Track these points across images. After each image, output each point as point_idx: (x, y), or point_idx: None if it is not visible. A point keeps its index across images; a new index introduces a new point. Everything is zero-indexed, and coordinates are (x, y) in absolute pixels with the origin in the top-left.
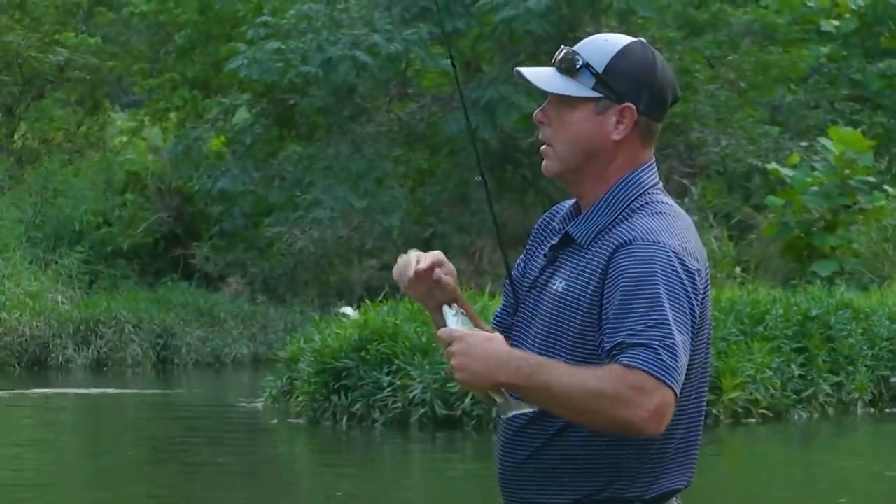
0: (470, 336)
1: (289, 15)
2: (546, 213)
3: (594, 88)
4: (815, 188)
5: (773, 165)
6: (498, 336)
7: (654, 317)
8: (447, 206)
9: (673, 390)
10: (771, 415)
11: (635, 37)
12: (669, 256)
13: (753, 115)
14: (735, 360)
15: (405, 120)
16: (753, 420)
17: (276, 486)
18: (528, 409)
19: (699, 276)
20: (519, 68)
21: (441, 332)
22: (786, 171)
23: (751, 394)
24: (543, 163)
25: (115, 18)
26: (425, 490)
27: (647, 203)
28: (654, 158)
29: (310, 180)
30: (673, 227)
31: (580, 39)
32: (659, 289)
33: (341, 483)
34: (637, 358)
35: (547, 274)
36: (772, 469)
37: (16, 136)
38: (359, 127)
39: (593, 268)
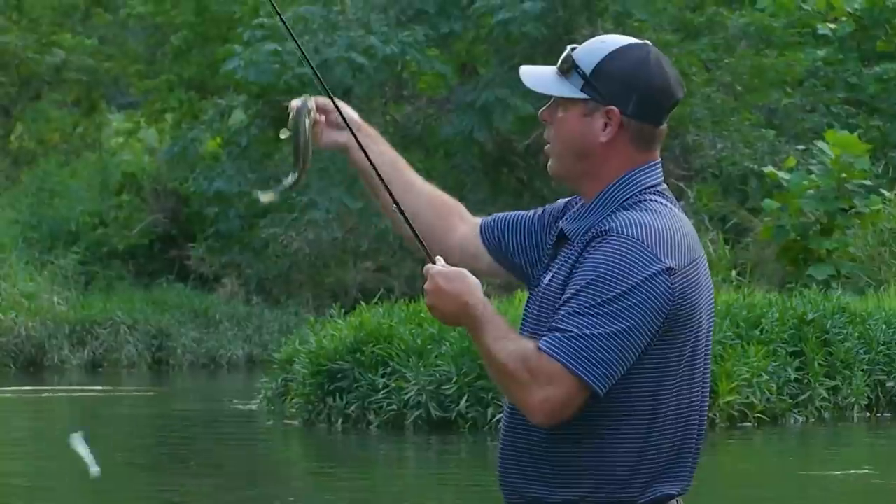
0: (442, 277)
1: (285, 17)
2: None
3: (582, 90)
4: (811, 192)
5: (769, 169)
6: (468, 279)
7: (590, 305)
8: None
9: (584, 381)
10: (767, 419)
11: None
12: (638, 250)
13: (749, 118)
14: (731, 364)
15: (401, 122)
16: (749, 424)
17: (270, 487)
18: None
19: (673, 273)
20: (522, 67)
21: (426, 267)
22: (782, 175)
23: (746, 397)
24: (548, 162)
25: (111, 20)
26: (420, 492)
27: (639, 201)
28: (658, 160)
29: (305, 182)
30: (655, 223)
31: (575, 42)
32: (610, 279)
33: (336, 485)
34: (549, 342)
35: (544, 272)
36: (766, 473)
37: (12, 137)
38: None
39: (573, 259)
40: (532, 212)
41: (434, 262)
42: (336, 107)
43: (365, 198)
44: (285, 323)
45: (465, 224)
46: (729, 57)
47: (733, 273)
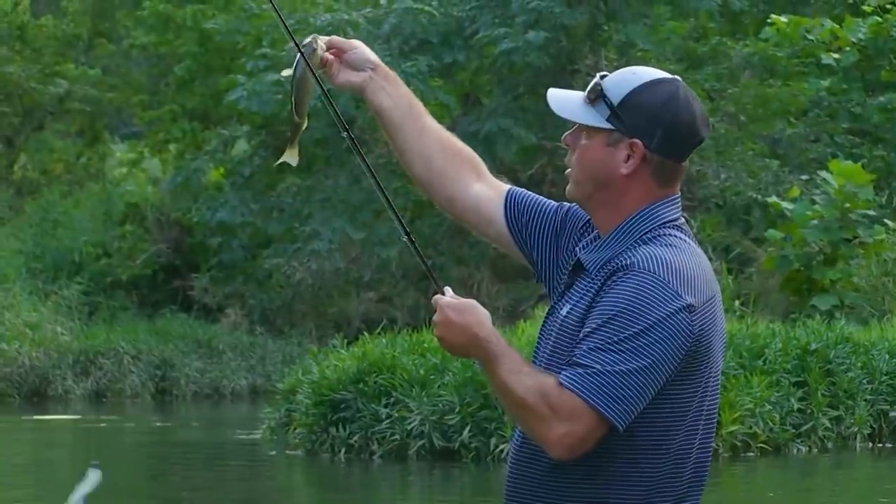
0: (451, 309)
1: (288, 47)
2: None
3: (608, 120)
4: (815, 222)
5: (772, 199)
6: (477, 311)
7: (612, 341)
8: (445, 238)
9: (605, 417)
10: (770, 448)
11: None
12: (659, 287)
13: (753, 148)
14: (734, 394)
15: None
16: (752, 454)
17: None
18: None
19: (693, 311)
20: (550, 90)
21: (434, 298)
22: (786, 205)
23: (750, 427)
24: (567, 186)
25: (114, 50)
26: None
27: (658, 236)
28: (677, 195)
29: (308, 212)
30: (676, 259)
31: (579, 72)
32: (631, 315)
33: None
34: (571, 378)
35: (561, 300)
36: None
37: (15, 168)
38: (357, 159)
39: (593, 292)
40: (556, 206)
41: (443, 292)
42: (324, 70)
43: (367, 228)
44: (288, 353)
45: (482, 182)
46: (733, 87)
47: (737, 303)
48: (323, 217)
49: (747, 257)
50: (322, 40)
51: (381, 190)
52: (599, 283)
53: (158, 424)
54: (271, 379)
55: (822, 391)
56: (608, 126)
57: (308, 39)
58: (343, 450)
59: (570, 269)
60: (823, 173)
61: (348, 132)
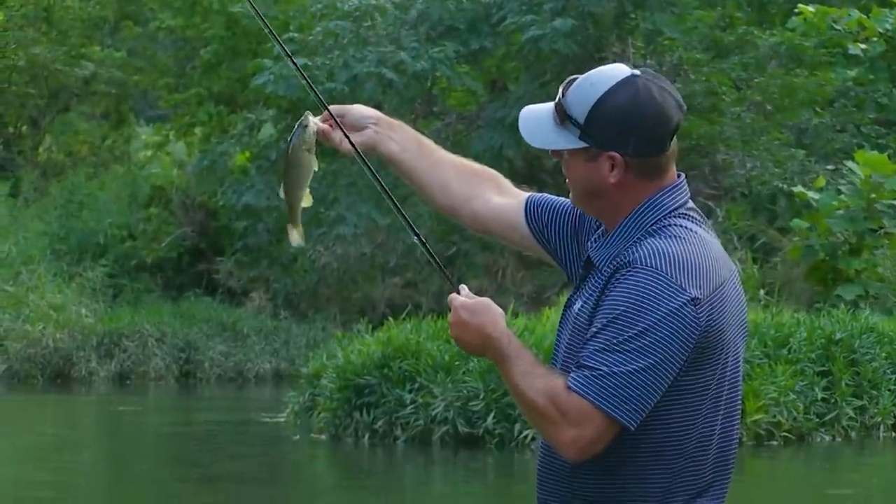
0: (465, 310)
1: (315, 31)
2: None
3: (580, 138)
4: (840, 212)
5: (798, 188)
6: (491, 311)
7: (617, 342)
8: None
9: (615, 419)
10: (793, 437)
11: (661, 58)
12: (661, 283)
13: (779, 137)
14: (758, 383)
15: (430, 137)
16: (776, 443)
17: (296, 502)
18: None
19: (698, 304)
20: (522, 113)
21: (450, 297)
22: (811, 195)
23: (774, 416)
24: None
25: (141, 33)
26: None
27: (663, 227)
28: (679, 181)
29: (334, 197)
30: (680, 251)
31: (606, 59)
32: (635, 314)
33: (362, 500)
34: (578, 381)
35: (576, 294)
36: (792, 492)
37: (41, 149)
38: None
39: (600, 288)
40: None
41: (458, 291)
42: (336, 122)
43: (393, 214)
44: (313, 338)
45: (502, 194)
46: (759, 76)
47: (761, 292)
48: (348, 202)
49: (772, 247)
50: (314, 118)
51: (387, 193)
52: (605, 279)
53: (182, 407)
54: (295, 363)
55: (846, 381)
56: (582, 144)
57: (301, 118)
58: (367, 435)
59: (583, 263)
60: (849, 163)
61: (359, 153)
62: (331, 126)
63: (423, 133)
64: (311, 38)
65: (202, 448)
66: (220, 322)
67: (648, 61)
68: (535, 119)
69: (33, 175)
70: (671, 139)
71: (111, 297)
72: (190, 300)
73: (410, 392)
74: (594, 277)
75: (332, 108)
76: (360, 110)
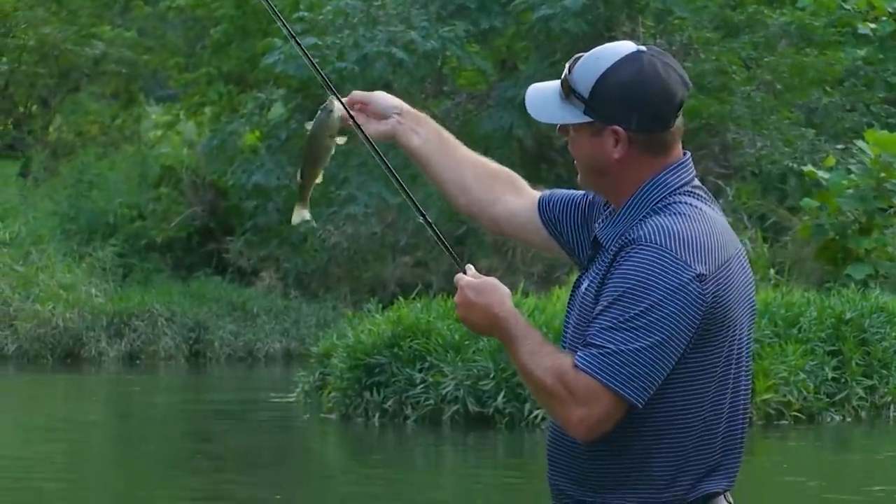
0: (472, 290)
1: (325, 11)
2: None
3: (585, 113)
4: (850, 191)
5: (808, 168)
6: (498, 291)
7: (623, 319)
8: None
9: (622, 396)
10: (803, 417)
11: (671, 38)
12: (666, 259)
13: (789, 116)
14: (768, 362)
15: (440, 117)
16: (785, 422)
17: (307, 480)
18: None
19: (704, 280)
20: (529, 89)
21: (456, 277)
22: (821, 174)
23: (784, 396)
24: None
25: (151, 12)
26: (455, 488)
27: (669, 204)
28: (685, 156)
29: (344, 176)
30: (685, 228)
31: (616, 39)
32: (641, 291)
33: (372, 479)
34: (585, 359)
35: (584, 275)
36: (802, 471)
37: (51, 129)
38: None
39: (605, 267)
40: (583, 193)
41: (464, 271)
42: (352, 117)
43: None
44: (323, 317)
45: (519, 195)
46: (769, 55)
47: (772, 271)
48: (359, 181)
49: (782, 226)
50: (338, 103)
51: (394, 177)
52: (611, 258)
53: (192, 387)
54: (305, 342)
55: (857, 360)
56: (587, 119)
57: (325, 103)
58: (377, 414)
59: (590, 244)
60: (859, 142)
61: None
62: (361, 110)
63: (433, 114)
64: (321, 17)
65: (212, 428)
66: (230, 302)
67: (658, 40)
68: (542, 96)
69: (43, 155)
70: (676, 116)
71: (121, 276)
72: (200, 280)
73: (421, 371)
74: (601, 257)
75: (356, 94)
76: (386, 99)
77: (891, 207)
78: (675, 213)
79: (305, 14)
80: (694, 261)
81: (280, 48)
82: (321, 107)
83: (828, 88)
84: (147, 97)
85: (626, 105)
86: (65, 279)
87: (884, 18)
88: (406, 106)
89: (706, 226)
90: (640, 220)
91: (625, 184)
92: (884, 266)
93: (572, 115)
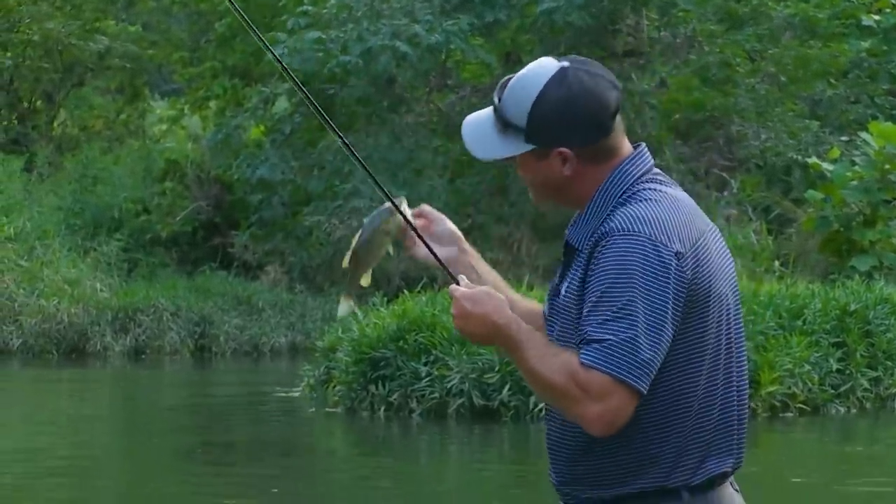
0: (467, 300)
1: (329, 4)
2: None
3: (527, 141)
4: (854, 183)
5: (812, 160)
6: (493, 298)
7: (617, 309)
8: (485, 196)
9: (630, 385)
10: (808, 409)
11: (675, 30)
12: (643, 244)
13: (793, 108)
14: (773, 354)
15: (444, 111)
16: (790, 414)
17: (312, 474)
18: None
19: (682, 257)
20: (465, 125)
21: (450, 288)
22: (826, 166)
23: (788, 388)
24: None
25: (155, 6)
26: (460, 481)
27: (633, 194)
28: (638, 147)
29: (349, 170)
30: (653, 211)
31: (620, 32)
32: (627, 279)
33: (377, 473)
34: (591, 355)
35: (561, 280)
36: (807, 463)
37: (55, 124)
38: (398, 117)
39: (583, 266)
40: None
41: (457, 282)
42: (413, 227)
43: (408, 186)
44: (328, 311)
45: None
46: (773, 47)
47: (776, 263)
48: (363, 175)
49: (787, 218)
50: (406, 207)
51: (382, 190)
52: (587, 257)
53: (197, 381)
54: (311, 336)
55: (861, 352)
56: (530, 147)
57: (396, 199)
58: (382, 408)
59: (563, 251)
60: (863, 134)
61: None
62: (425, 225)
63: (437, 106)
64: (325, 11)
65: (217, 422)
66: (236, 296)
67: (663, 33)
68: (480, 132)
69: (48, 150)
70: (613, 120)
71: (126, 271)
72: (205, 274)
73: (426, 365)
74: (576, 259)
75: (425, 208)
76: (449, 224)
77: (895, 199)
78: (641, 200)
79: (309, 8)
80: (669, 240)
81: (284, 42)
82: (385, 205)
83: (832, 80)
84: (152, 92)
85: (565, 126)
86: (70, 274)
87: (888, 10)
88: (463, 238)
89: (673, 206)
90: (609, 214)
91: (583, 191)
92: (888, 257)
93: (515, 147)
